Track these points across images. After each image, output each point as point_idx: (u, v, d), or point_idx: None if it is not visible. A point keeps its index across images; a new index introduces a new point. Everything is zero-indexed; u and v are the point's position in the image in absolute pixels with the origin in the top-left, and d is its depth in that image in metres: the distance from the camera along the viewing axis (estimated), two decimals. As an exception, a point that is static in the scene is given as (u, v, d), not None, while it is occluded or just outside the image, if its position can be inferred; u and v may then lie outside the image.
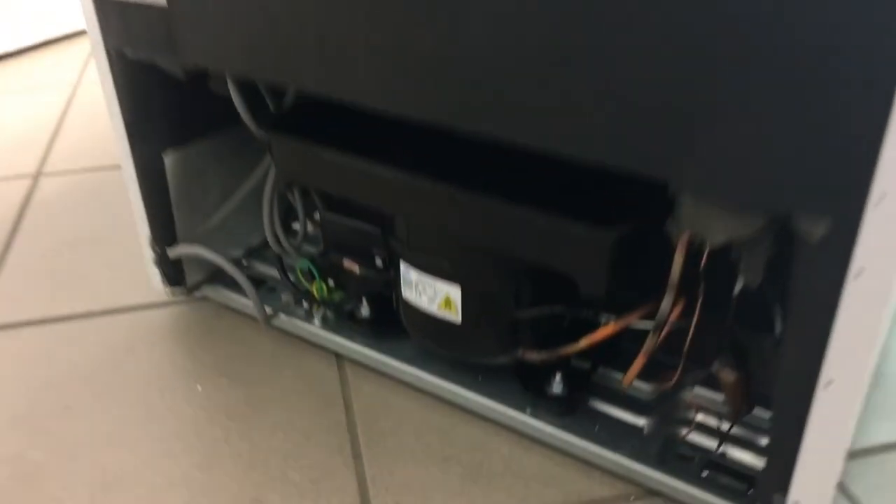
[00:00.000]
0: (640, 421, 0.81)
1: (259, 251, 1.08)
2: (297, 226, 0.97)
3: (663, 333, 0.65)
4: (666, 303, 0.63)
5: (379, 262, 0.88)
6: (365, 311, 0.93)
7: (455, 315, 0.79)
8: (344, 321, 0.95)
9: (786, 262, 0.54)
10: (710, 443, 0.79)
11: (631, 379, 0.71)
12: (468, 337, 0.81)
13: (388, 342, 0.92)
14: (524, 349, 0.78)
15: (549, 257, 0.67)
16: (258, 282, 1.01)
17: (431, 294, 0.79)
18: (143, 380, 0.93)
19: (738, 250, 0.57)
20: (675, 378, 0.67)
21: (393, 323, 0.91)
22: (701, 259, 0.60)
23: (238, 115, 0.84)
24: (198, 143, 0.93)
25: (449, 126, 0.61)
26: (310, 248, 0.98)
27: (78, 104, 1.70)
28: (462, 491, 0.78)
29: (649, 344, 0.66)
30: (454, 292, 0.78)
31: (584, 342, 0.70)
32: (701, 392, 0.81)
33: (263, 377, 0.92)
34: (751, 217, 0.52)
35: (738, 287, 0.60)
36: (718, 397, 0.79)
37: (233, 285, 1.02)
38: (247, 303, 0.99)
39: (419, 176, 0.70)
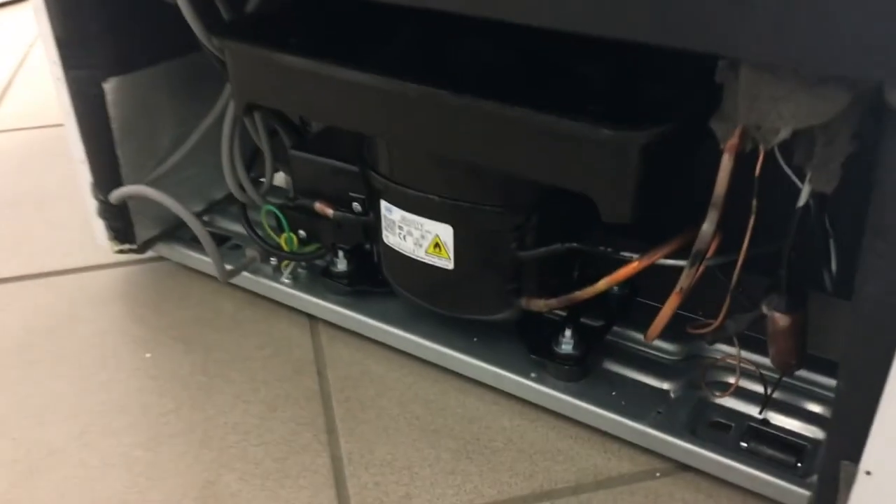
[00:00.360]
0: (664, 385, 0.69)
1: (223, 207, 0.95)
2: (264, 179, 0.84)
3: (702, 265, 0.53)
4: (708, 225, 0.51)
5: (357, 206, 0.75)
6: (341, 264, 0.80)
7: (446, 260, 0.66)
8: (317, 278, 0.82)
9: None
10: (748, 408, 0.67)
11: (659, 329, 0.59)
12: (462, 286, 0.68)
13: (369, 301, 0.79)
14: (528, 298, 0.65)
15: (563, 174, 0.54)
16: (221, 239, 0.88)
17: (418, 237, 0.67)
18: (84, 348, 0.80)
19: (804, 149, 0.45)
20: (717, 322, 0.55)
21: (373, 278, 0.79)
22: (754, 167, 0.48)
23: (192, 39, 0.71)
24: (144, 70, 0.80)
25: (445, 8, 0.48)
26: (278, 200, 0.86)
27: (29, 66, 1.56)
28: (455, 469, 0.65)
29: (686, 279, 0.54)
30: (445, 232, 0.65)
31: (603, 283, 0.58)
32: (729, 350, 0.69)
33: (224, 343, 0.80)
34: (832, 91, 0.40)
35: (802, 198, 0.48)
36: (754, 357, 0.67)
37: (189, 242, 0.89)
38: (206, 262, 0.86)
39: (401, 80, 0.57)
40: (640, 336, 0.73)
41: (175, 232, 0.90)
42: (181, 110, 0.85)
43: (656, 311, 0.63)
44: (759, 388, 0.66)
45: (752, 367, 0.62)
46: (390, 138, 0.63)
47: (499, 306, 0.69)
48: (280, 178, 0.96)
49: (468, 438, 0.68)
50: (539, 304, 0.64)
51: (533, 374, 0.70)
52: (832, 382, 0.66)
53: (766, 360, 0.60)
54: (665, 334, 0.67)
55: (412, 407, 0.71)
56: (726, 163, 0.49)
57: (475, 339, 0.74)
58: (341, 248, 0.80)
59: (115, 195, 0.80)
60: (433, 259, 0.67)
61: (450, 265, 0.67)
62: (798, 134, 0.44)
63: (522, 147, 0.55)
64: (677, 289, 0.55)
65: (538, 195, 0.63)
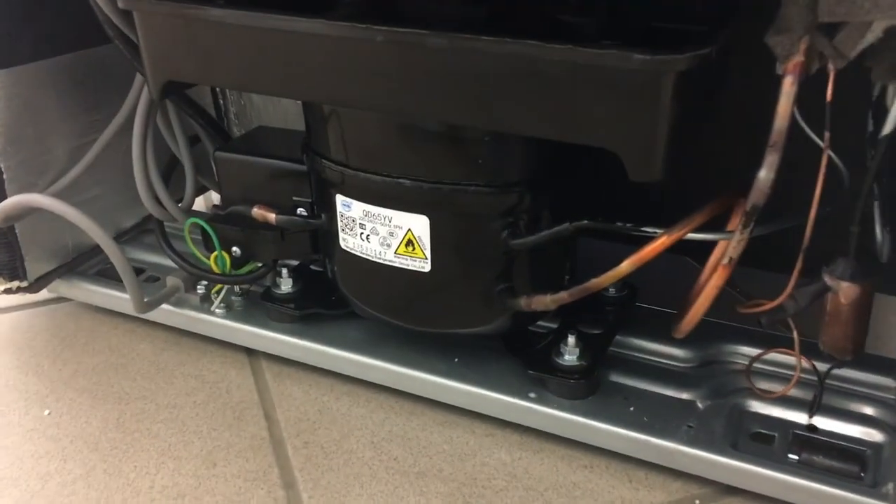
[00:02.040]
0: (686, 394, 0.58)
1: (134, 237, 0.80)
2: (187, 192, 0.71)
3: (751, 223, 0.42)
4: (766, 171, 0.40)
5: (302, 211, 0.63)
6: (285, 284, 0.67)
7: (422, 260, 0.54)
8: (256, 305, 0.68)
9: None
10: (790, 415, 0.56)
11: (698, 318, 0.48)
12: (442, 293, 0.56)
13: (321, 326, 0.66)
14: (528, 297, 0.53)
15: (578, 126, 0.43)
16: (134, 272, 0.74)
17: (385, 234, 0.55)
18: (-38, 410, 0.63)
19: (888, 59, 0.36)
20: (781, 297, 0.44)
21: (325, 298, 0.66)
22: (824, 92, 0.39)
23: (90, 29, 0.58)
24: (30, 65, 0.66)
25: None
26: (204, 213, 0.72)
27: None
28: (451, 518, 0.52)
29: (737, 246, 0.43)
30: (419, 225, 0.53)
31: (627, 264, 0.47)
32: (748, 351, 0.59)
33: (144, 391, 0.65)
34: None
35: (887, 127, 0.39)
36: (782, 356, 0.57)
37: (94, 276, 0.74)
38: (117, 297, 0.71)
39: (366, 25, 0.46)
40: (642, 343, 0.63)
41: (75, 265, 0.75)
42: (79, 116, 0.71)
43: (652, 314, 0.53)
44: (798, 392, 0.56)
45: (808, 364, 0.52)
46: (353, 104, 0.51)
47: (489, 313, 0.57)
48: (199, 202, 0.83)
49: (462, 479, 0.55)
50: (544, 302, 0.52)
51: (532, 394, 0.57)
52: (883, 381, 0.57)
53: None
54: (672, 338, 0.57)
55: (388, 447, 0.58)
56: (788, 88, 0.39)
57: (456, 360, 0.61)
58: (285, 265, 0.67)
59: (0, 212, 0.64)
60: (405, 261, 0.55)
61: (426, 266, 0.54)
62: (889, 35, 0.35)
63: (525, 95, 0.43)
64: (725, 260, 0.44)
65: (533, 167, 0.52)
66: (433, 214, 0.53)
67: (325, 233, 0.61)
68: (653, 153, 0.42)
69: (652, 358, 0.62)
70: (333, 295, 0.66)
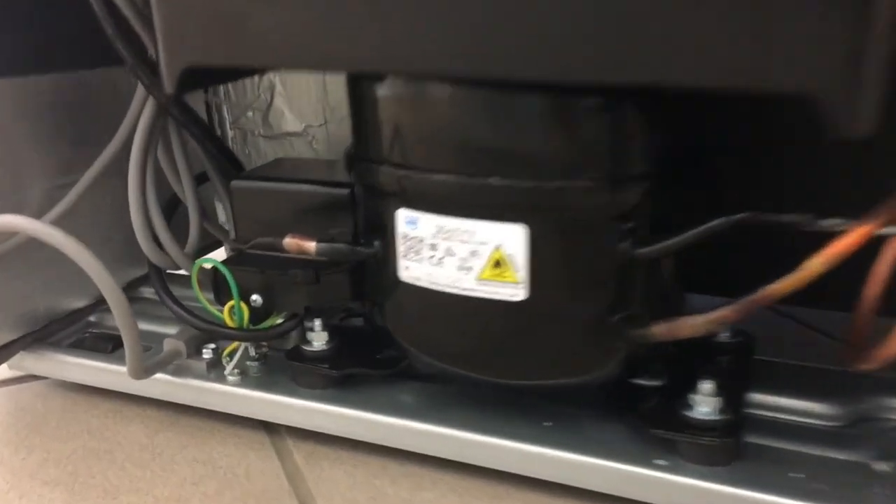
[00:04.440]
0: (852, 456, 0.45)
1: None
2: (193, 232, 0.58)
3: None
4: None
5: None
6: (319, 339, 0.53)
7: (514, 286, 0.42)
8: (278, 368, 0.55)
9: None
10: None
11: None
12: (540, 327, 0.43)
13: (364, 389, 0.52)
14: (663, 324, 0.41)
15: (761, 69, 0.32)
16: (117, 341, 0.59)
17: (466, 255, 0.42)
18: None
19: None
20: None
21: (369, 353, 0.53)
22: None
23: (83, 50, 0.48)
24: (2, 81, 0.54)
25: None
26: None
27: None
28: None
29: None
30: (513, 238, 0.41)
31: (818, 262, 0.35)
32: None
33: (136, 482, 0.50)
34: None
35: None
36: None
37: (69, 348, 0.60)
38: (98, 368, 0.57)
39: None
40: (773, 399, 0.50)
41: (46, 335, 0.61)
42: (61, 150, 0.59)
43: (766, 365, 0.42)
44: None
45: None
46: (440, 68, 0.39)
47: (601, 354, 0.44)
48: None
49: (581, 580, 0.41)
50: (694, 325, 0.39)
51: (660, 461, 0.44)
52: None
53: None
54: (809, 391, 0.47)
55: (471, 542, 0.44)
56: None
57: (548, 425, 0.48)
58: (318, 315, 0.54)
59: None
60: (491, 288, 0.42)
61: (519, 293, 0.42)
62: None
63: (686, 30, 0.32)
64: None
65: (667, 150, 0.40)
66: (533, 222, 0.41)
67: (375, 265, 0.48)
68: (866, 94, 0.31)
69: (789, 416, 0.49)
70: (378, 351, 0.53)
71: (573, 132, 0.39)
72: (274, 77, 0.69)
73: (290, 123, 0.70)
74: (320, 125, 0.69)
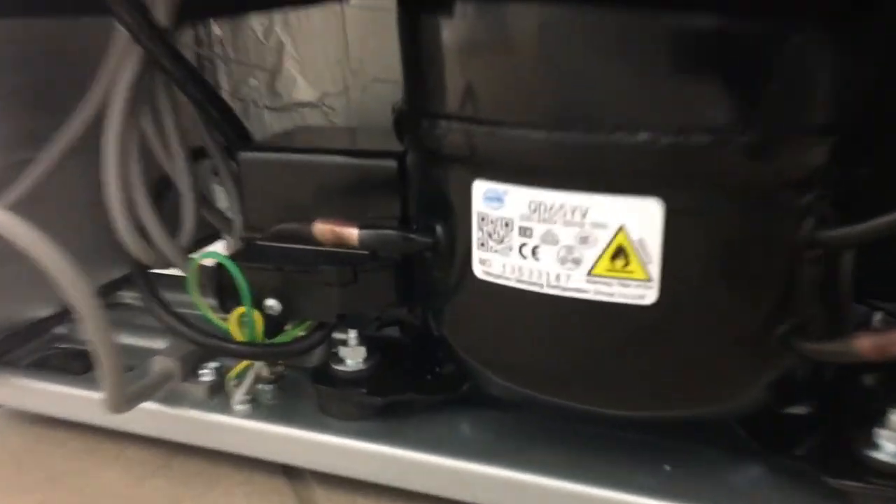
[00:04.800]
0: None
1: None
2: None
3: None
4: None
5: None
6: (355, 356, 0.41)
7: (642, 284, 0.30)
8: (300, 394, 0.43)
9: None
10: None
11: None
12: (677, 340, 0.31)
13: (412, 422, 0.40)
14: (866, 336, 0.29)
15: None
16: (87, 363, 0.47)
17: (572, 242, 0.31)
18: None
19: None
20: None
21: (418, 375, 0.41)
22: None
23: None
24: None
25: None
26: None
27: None
28: None
29: None
30: (644, 218, 0.29)
31: None
32: None
33: (116, 550, 0.38)
34: None
35: None
36: None
37: (29, 368, 0.49)
38: (66, 395, 0.45)
39: None
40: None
41: (0, 352, 0.49)
42: (17, 116, 0.47)
43: None
44: None
45: None
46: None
47: (755, 375, 0.32)
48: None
49: None
50: (883, 346, 0.28)
51: (827, 520, 0.33)
52: None
53: None
54: None
55: None
56: None
57: (669, 469, 0.36)
58: (353, 325, 0.42)
59: None
60: (609, 287, 0.31)
61: (648, 295, 0.30)
62: None
63: None
64: None
65: (865, 94, 0.29)
66: (671, 195, 0.29)
67: (433, 258, 0.36)
68: None
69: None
70: (428, 369, 0.42)
71: (734, 64, 0.28)
72: (283, 32, 0.57)
73: (303, 91, 0.58)
74: (339, 92, 0.57)
